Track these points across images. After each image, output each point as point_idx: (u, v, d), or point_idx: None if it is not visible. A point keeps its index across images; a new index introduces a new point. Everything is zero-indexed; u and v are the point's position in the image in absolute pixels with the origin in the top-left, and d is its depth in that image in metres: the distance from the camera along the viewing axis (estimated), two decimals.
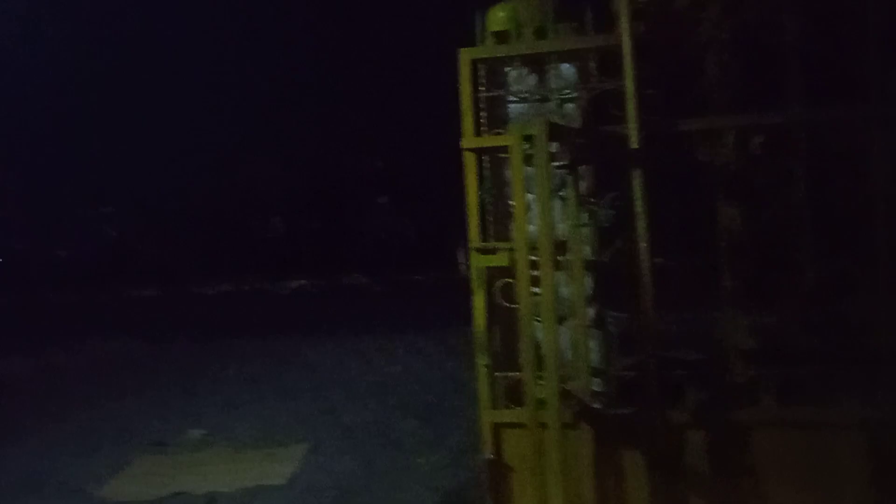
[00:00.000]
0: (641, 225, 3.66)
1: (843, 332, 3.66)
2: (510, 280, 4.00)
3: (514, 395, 4.09)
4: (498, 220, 4.18)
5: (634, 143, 3.67)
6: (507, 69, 4.12)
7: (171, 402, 8.37)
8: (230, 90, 24.90)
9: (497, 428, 4.12)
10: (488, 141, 4.07)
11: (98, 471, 6.18)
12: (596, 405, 3.81)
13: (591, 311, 3.91)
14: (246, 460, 6.28)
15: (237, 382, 9.09)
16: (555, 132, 3.71)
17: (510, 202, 4.03)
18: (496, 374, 4.11)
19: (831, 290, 3.68)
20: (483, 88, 4.10)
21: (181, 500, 5.52)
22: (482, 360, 4.09)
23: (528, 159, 3.78)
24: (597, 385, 3.92)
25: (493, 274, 4.12)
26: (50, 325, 15.27)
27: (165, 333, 12.94)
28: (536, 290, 3.80)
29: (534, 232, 3.83)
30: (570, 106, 4.01)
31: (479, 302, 4.09)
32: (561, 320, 3.82)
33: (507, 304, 4.07)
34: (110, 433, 7.28)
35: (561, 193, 3.86)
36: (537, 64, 4.05)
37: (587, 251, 3.92)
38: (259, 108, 24.50)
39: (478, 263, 4.09)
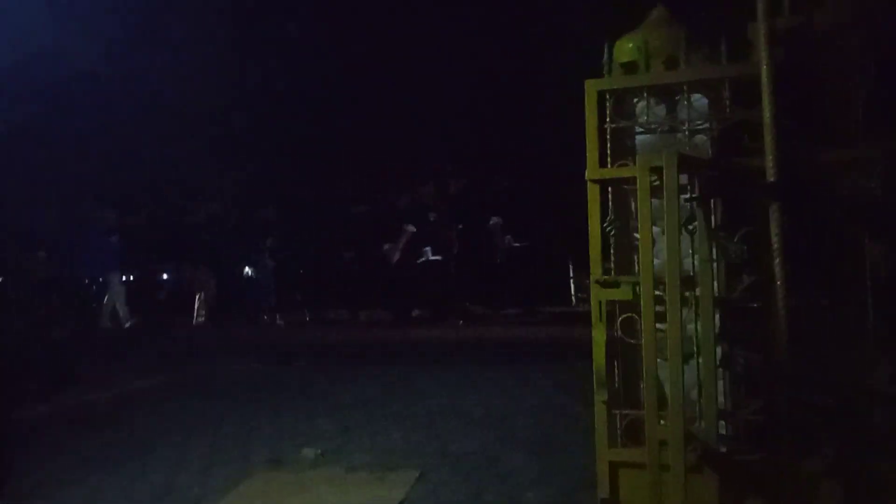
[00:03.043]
0: (778, 262, 3.49)
1: None
2: (633, 315, 3.91)
3: (632, 433, 3.97)
4: (620, 253, 4.10)
5: (772, 176, 3.52)
6: (634, 100, 4.06)
7: (288, 421, 8.61)
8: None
9: (613, 467, 4.00)
10: (614, 172, 4.01)
11: (216, 485, 6.40)
12: (722, 449, 3.64)
13: (718, 350, 3.75)
14: (356, 482, 6.34)
15: (351, 406, 9.25)
16: (684, 163, 3.62)
17: (635, 235, 3.95)
18: (614, 411, 4.00)
19: None
20: (608, 121, 4.06)
21: None
22: (600, 396, 3.99)
23: (654, 191, 3.71)
24: (723, 428, 3.74)
25: (615, 308, 4.04)
26: (185, 347, 16.17)
27: (286, 357, 13.44)
28: (660, 325, 3.69)
29: (658, 266, 3.73)
30: (700, 137, 3.90)
31: (598, 336, 4.01)
32: (686, 358, 3.69)
33: (629, 340, 3.96)
34: (229, 449, 7.55)
35: (689, 227, 3.75)
36: (667, 94, 3.98)
37: (716, 287, 3.78)
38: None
39: (599, 296, 4.02)
